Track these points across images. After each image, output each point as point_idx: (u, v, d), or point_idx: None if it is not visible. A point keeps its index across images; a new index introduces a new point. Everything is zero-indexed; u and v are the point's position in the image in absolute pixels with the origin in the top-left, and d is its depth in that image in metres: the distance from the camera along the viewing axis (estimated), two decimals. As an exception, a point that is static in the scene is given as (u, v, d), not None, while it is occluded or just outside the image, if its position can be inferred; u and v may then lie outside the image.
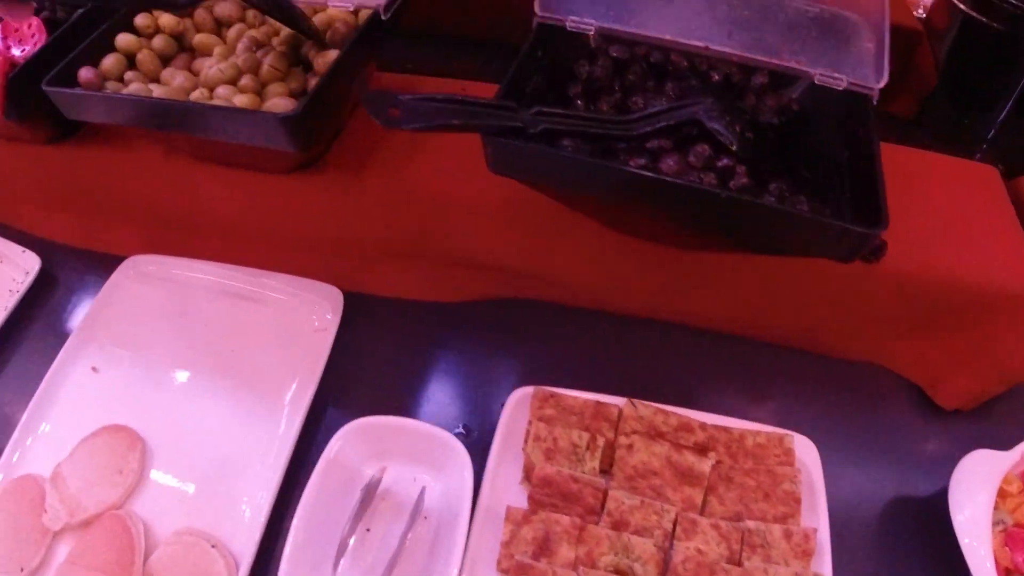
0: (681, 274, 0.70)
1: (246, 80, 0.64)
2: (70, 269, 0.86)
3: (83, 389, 0.75)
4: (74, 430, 0.71)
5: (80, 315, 0.81)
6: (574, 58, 0.67)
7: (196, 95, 0.64)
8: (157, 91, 0.66)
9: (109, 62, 0.68)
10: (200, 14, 0.72)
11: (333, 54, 0.65)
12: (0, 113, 0.66)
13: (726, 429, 0.68)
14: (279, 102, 0.62)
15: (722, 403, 0.72)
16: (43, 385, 0.74)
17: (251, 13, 0.72)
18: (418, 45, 0.84)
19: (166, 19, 0.71)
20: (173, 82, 0.66)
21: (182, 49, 0.72)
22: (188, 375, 0.76)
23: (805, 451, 0.66)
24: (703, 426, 0.67)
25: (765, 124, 0.61)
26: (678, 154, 0.55)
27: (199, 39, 0.71)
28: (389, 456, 0.67)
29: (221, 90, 0.64)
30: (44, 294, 0.84)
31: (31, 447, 0.70)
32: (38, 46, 0.74)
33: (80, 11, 0.79)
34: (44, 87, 0.64)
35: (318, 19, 0.70)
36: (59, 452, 0.69)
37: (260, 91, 0.65)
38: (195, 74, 0.70)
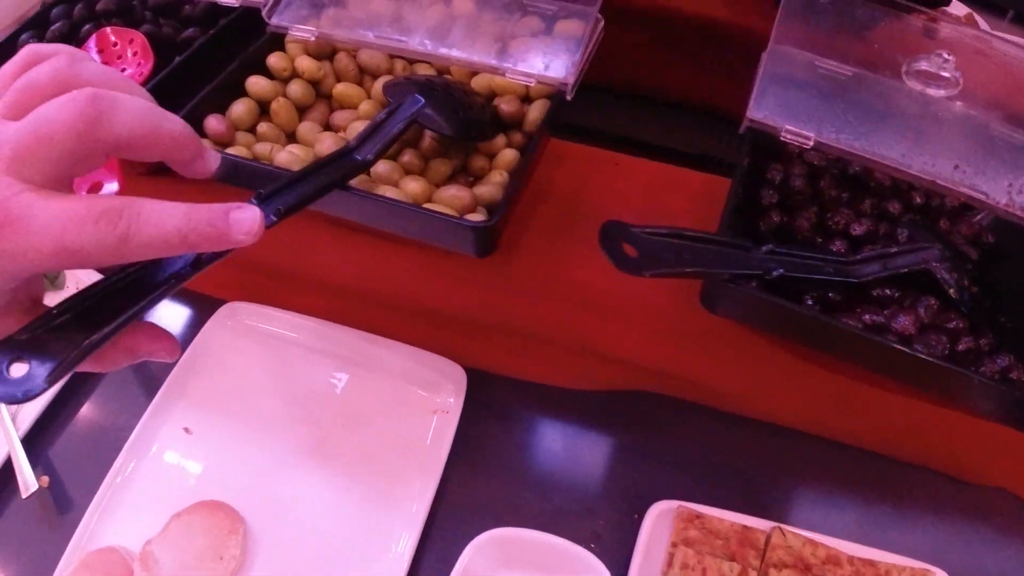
0: (840, 395, 0.66)
1: (409, 157, 0.56)
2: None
3: (174, 452, 0.68)
4: (164, 499, 0.65)
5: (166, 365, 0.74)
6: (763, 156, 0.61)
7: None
8: (298, 152, 0.58)
9: (240, 110, 0.59)
10: (343, 60, 0.63)
11: (510, 150, 0.57)
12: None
13: (872, 563, 0.65)
14: (456, 195, 0.54)
15: (861, 527, 0.69)
16: (131, 442, 0.67)
17: (400, 63, 0.64)
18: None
19: (306, 63, 0.62)
20: (318, 145, 0.58)
21: (318, 94, 0.64)
22: (291, 447, 0.69)
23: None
24: (851, 560, 0.64)
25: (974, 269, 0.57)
26: (912, 312, 0.50)
27: (340, 89, 0.62)
28: (518, 565, 0.62)
29: (381, 167, 0.56)
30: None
31: (115, 512, 0.64)
32: (144, 71, 0.65)
33: (190, 30, 0.70)
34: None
35: (477, 83, 0.62)
36: (146, 522, 0.63)
37: (423, 169, 0.57)
38: (334, 129, 0.62)
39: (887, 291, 0.52)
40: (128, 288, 0.34)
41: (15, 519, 0.66)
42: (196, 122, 0.57)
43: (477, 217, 0.52)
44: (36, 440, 0.70)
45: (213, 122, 0.57)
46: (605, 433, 0.72)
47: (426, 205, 0.52)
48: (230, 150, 0.57)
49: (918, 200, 0.60)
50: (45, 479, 0.67)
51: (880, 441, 0.72)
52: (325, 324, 0.73)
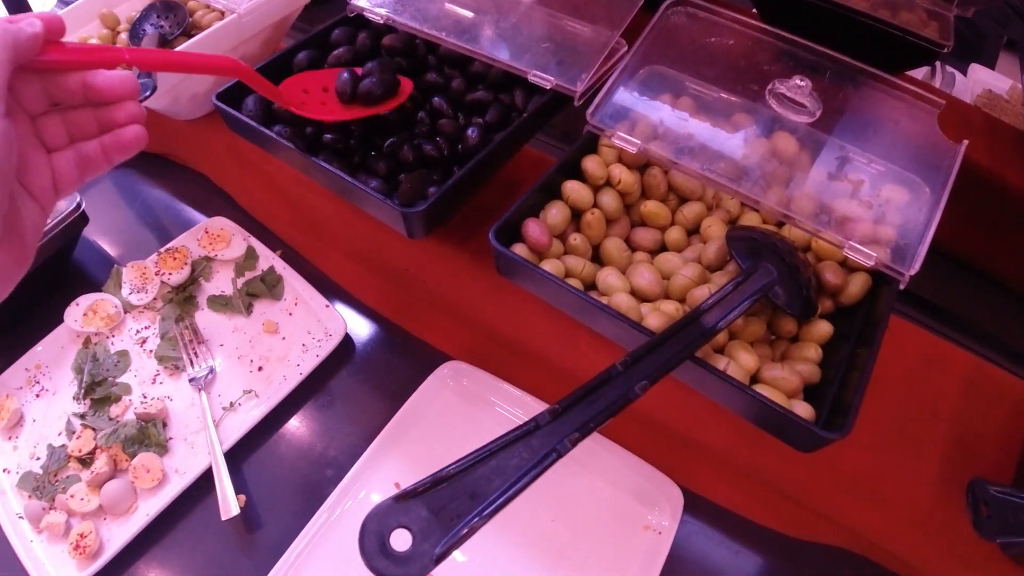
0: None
1: (756, 327, 0.54)
2: (371, 341, 0.79)
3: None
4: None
5: (375, 400, 0.74)
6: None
7: (668, 308, 0.55)
8: (617, 283, 0.56)
9: (557, 218, 0.58)
10: (656, 176, 0.62)
11: (823, 321, 0.55)
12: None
13: None
14: (785, 377, 0.52)
15: None
16: (342, 486, 0.68)
17: (710, 191, 0.62)
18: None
19: (625, 174, 0.60)
20: (635, 278, 0.56)
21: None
22: (495, 526, 0.70)
23: None
24: None
25: None
26: None
27: (650, 208, 0.61)
28: None
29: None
30: (345, 358, 0.77)
31: (315, 553, 0.65)
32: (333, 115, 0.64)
33: (479, 91, 0.68)
34: (494, 242, 0.55)
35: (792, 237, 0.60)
36: (343, 572, 0.64)
37: (742, 328, 0.56)
38: (633, 247, 0.60)
39: None
40: None
41: (212, 540, 0.67)
42: (516, 224, 0.56)
43: (803, 408, 0.51)
44: (236, 454, 0.71)
45: (533, 228, 0.56)
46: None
47: (756, 386, 0.51)
48: (545, 264, 0.56)
49: None
50: (242, 498, 0.68)
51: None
52: (545, 406, 0.73)
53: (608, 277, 0.55)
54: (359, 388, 0.77)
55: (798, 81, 0.62)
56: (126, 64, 0.41)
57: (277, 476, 0.71)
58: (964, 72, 1.29)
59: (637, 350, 0.45)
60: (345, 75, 0.62)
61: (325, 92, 0.63)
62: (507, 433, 0.39)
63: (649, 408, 0.70)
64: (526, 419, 0.71)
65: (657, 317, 0.51)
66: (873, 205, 0.59)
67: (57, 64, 0.39)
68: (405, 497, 0.35)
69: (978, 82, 1.28)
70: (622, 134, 0.59)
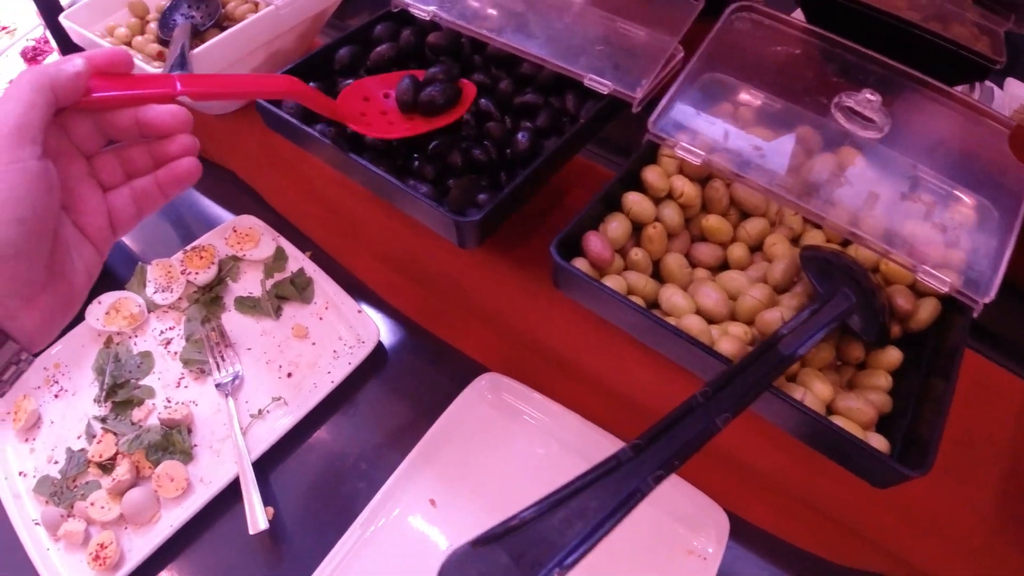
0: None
1: (826, 352, 0.52)
2: (403, 348, 0.76)
3: (417, 520, 0.66)
4: (398, 570, 0.63)
5: (408, 410, 0.72)
6: None
7: (736, 331, 0.52)
8: (683, 304, 0.53)
9: (618, 231, 0.55)
10: (717, 189, 0.59)
11: (893, 348, 0.53)
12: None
13: None
14: (860, 408, 0.49)
15: None
16: (375, 503, 0.65)
17: (774, 206, 0.59)
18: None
19: (688, 187, 0.58)
20: (700, 297, 0.54)
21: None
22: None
23: None
24: None
25: None
26: None
27: (712, 223, 0.58)
28: None
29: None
30: (376, 365, 0.74)
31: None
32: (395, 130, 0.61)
33: (528, 94, 0.65)
34: (556, 256, 0.52)
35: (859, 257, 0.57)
36: None
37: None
38: (694, 263, 0.58)
39: None
40: None
41: (238, 554, 0.64)
42: (576, 237, 0.54)
43: (878, 440, 0.48)
44: (263, 464, 0.68)
45: (595, 242, 0.53)
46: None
47: (832, 417, 0.48)
48: (607, 281, 0.53)
49: None
50: (270, 510, 0.66)
51: None
52: (589, 426, 0.70)
53: (673, 296, 0.52)
54: (391, 397, 0.74)
55: (868, 95, 0.60)
56: (178, 97, 0.39)
57: (306, 488, 0.68)
58: (1000, 86, 1.27)
59: (717, 380, 0.43)
60: (407, 81, 0.59)
61: (386, 98, 0.61)
62: (587, 472, 0.37)
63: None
64: (567, 436, 0.69)
65: (729, 342, 0.49)
66: (945, 228, 0.57)
67: (106, 102, 0.37)
68: (483, 542, 0.33)
69: (1015, 97, 1.25)
70: (685, 144, 0.56)
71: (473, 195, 0.59)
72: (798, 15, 0.94)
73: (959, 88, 1.17)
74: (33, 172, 0.34)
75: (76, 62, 0.36)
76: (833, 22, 0.72)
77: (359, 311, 0.75)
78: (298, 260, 0.79)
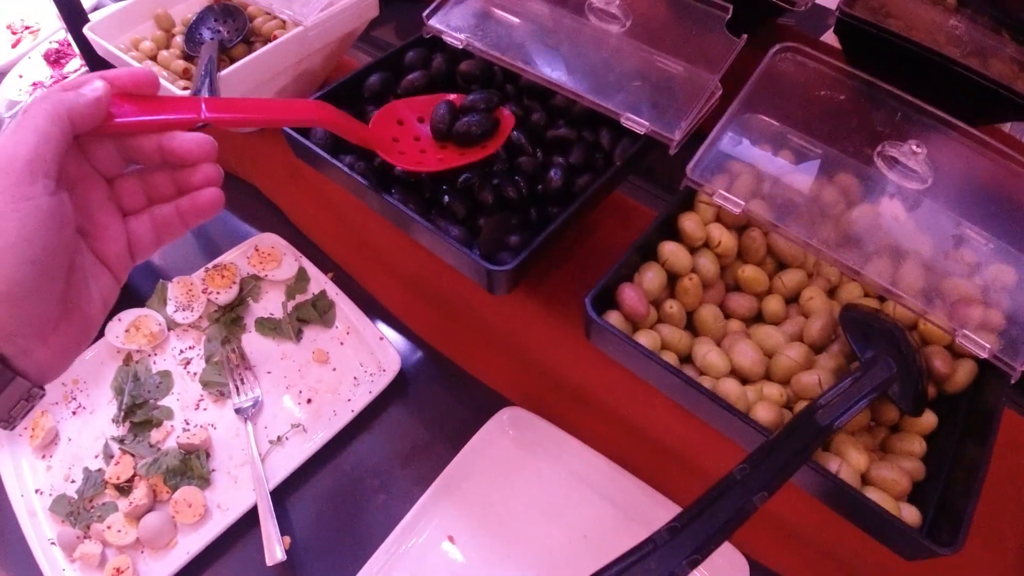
0: None
1: (861, 416, 0.51)
2: (424, 376, 0.75)
3: (435, 557, 0.66)
4: None
5: (428, 441, 0.71)
6: None
7: (772, 393, 0.51)
8: (719, 365, 0.52)
9: (653, 281, 0.54)
10: (755, 238, 0.58)
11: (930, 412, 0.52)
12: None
13: None
14: (895, 479, 0.48)
15: None
16: (396, 534, 0.65)
17: (811, 258, 0.58)
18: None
19: (725, 236, 0.56)
20: (736, 356, 0.52)
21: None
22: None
23: None
24: None
25: None
26: None
27: (749, 274, 0.57)
28: None
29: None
30: (397, 393, 0.73)
31: None
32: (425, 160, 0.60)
33: (561, 127, 0.63)
34: (591, 312, 0.51)
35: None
36: None
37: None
38: (728, 313, 0.56)
39: None
40: None
41: None
42: (611, 290, 0.53)
43: (910, 512, 0.47)
44: (281, 492, 0.68)
45: (631, 295, 0.52)
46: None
47: (865, 489, 0.47)
48: (640, 336, 0.52)
49: None
50: (287, 539, 0.65)
51: None
52: (616, 468, 0.69)
53: (708, 354, 0.51)
54: (410, 424, 0.74)
55: (914, 147, 0.58)
56: (203, 123, 0.38)
57: (323, 518, 0.68)
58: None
59: (755, 455, 0.42)
60: (443, 109, 0.58)
61: (421, 123, 0.59)
62: (623, 556, 0.36)
63: (718, 473, 0.67)
64: (593, 478, 0.68)
65: (765, 409, 0.48)
66: (987, 287, 0.55)
67: (129, 128, 0.36)
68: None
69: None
70: (723, 192, 0.54)
71: (504, 236, 0.58)
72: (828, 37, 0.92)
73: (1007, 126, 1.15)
74: (45, 210, 0.32)
75: (96, 85, 0.35)
76: (873, 58, 0.70)
77: (381, 338, 0.74)
78: (320, 282, 0.78)
